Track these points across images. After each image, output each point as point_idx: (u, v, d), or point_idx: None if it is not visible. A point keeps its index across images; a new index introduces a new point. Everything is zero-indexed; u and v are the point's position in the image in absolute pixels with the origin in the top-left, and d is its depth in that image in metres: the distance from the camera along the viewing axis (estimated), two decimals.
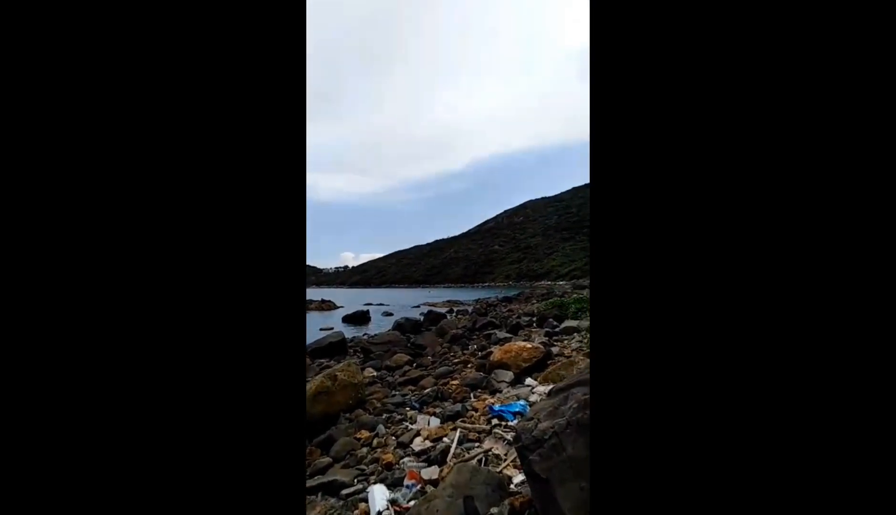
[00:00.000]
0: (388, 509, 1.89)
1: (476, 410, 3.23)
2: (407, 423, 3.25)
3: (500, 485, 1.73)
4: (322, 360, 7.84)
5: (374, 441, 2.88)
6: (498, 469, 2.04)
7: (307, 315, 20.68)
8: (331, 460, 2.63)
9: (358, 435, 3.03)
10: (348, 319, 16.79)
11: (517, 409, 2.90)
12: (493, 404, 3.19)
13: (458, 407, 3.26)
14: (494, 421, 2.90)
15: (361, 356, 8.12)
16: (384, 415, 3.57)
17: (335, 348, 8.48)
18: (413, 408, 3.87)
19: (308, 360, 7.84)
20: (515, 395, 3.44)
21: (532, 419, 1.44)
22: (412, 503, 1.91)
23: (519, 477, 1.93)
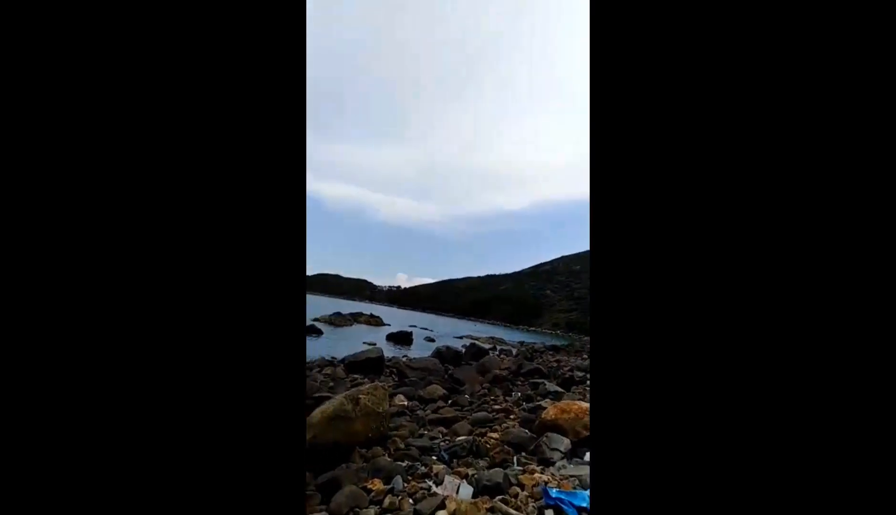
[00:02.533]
0: None
1: (521, 487, 2.46)
2: (431, 483, 2.57)
3: None
4: (356, 375, 7.44)
5: (387, 500, 2.24)
6: None
7: (355, 326, 21.25)
8: None
9: (369, 485, 2.42)
10: (392, 338, 16.68)
11: (582, 504, 2.10)
12: (547, 484, 2.40)
13: (499, 475, 2.52)
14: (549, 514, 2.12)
15: (396, 378, 7.59)
16: (405, 462, 2.92)
17: (372, 365, 8.07)
18: (441, 460, 3.18)
19: (343, 373, 7.51)
20: (576, 477, 2.61)
21: None
22: None
23: None
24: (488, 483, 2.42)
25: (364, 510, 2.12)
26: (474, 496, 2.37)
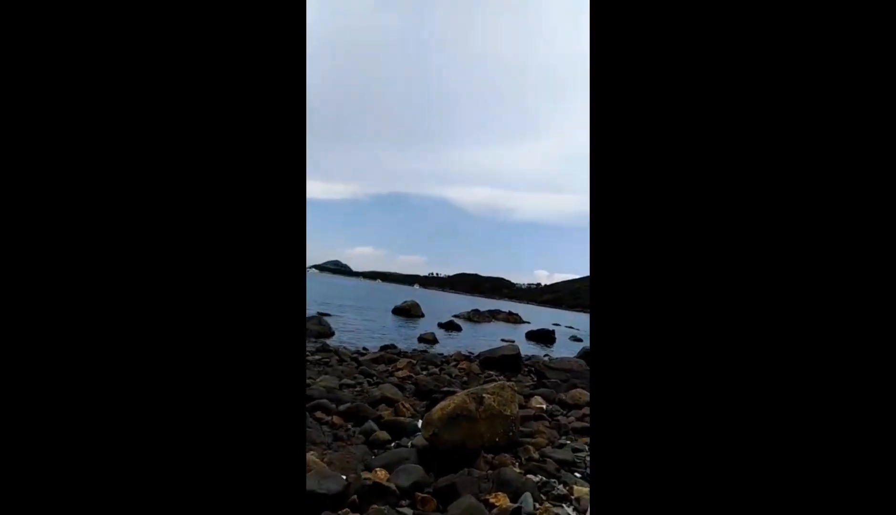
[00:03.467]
0: None
1: None
2: (570, 509, 2.03)
3: None
4: (491, 372, 7.23)
5: None
6: None
7: (494, 323, 21.57)
8: None
9: (492, 499, 2.04)
10: (532, 336, 16.04)
11: None
12: None
13: None
14: None
15: (535, 378, 7.05)
16: (539, 477, 2.44)
17: (507, 362, 7.74)
18: (586, 479, 2.57)
19: (478, 368, 7.41)
20: None
21: None
22: None
23: None
24: None
25: None
26: None
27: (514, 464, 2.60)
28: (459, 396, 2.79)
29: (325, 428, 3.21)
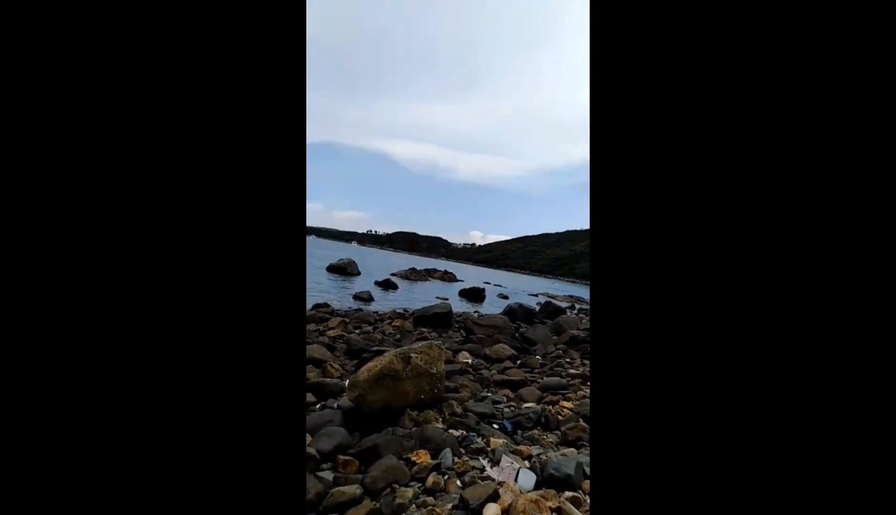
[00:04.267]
0: None
1: None
2: (485, 462, 2.19)
3: None
4: (424, 329, 7.42)
5: (430, 479, 1.92)
6: None
7: (430, 281, 21.95)
8: (360, 491, 1.78)
9: (413, 457, 2.12)
10: (464, 294, 16.70)
11: None
12: None
13: (571, 465, 2.02)
14: None
15: (464, 334, 7.38)
16: (460, 432, 2.58)
17: (439, 319, 7.97)
18: (503, 431, 2.79)
19: (411, 326, 7.55)
20: None
21: None
22: None
23: None
24: (556, 474, 1.95)
25: (402, 488, 1.82)
26: (537, 486, 1.93)
27: (437, 420, 2.72)
28: (387, 356, 2.79)
29: None
